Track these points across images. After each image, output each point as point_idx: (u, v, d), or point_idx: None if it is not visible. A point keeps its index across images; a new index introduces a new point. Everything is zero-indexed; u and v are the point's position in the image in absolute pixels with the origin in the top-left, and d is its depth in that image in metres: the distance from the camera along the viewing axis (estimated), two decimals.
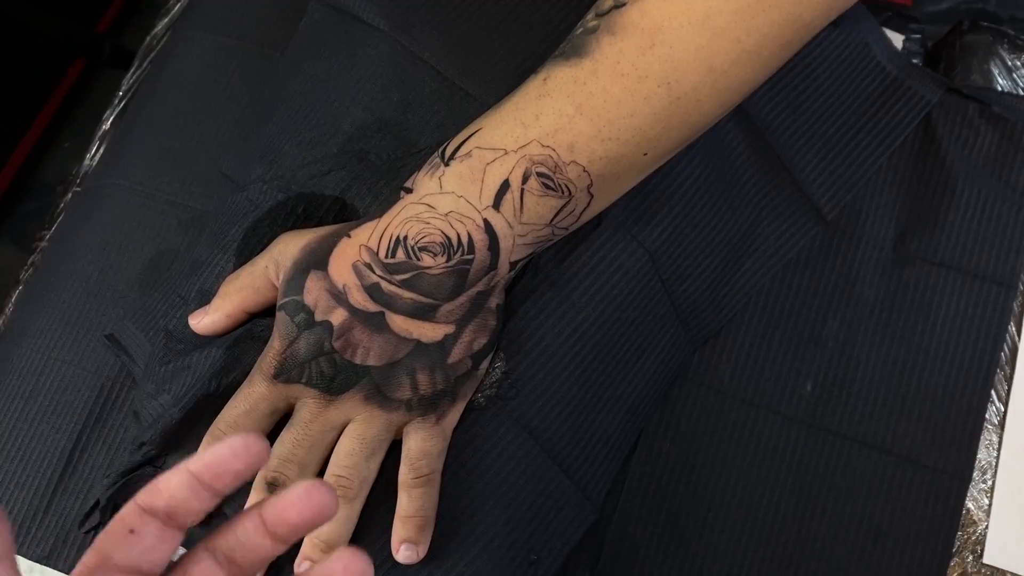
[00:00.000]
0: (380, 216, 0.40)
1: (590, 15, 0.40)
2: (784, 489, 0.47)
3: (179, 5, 0.66)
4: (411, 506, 0.39)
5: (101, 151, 0.62)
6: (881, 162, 0.51)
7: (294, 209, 0.44)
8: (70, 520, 0.47)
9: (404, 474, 0.39)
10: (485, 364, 0.41)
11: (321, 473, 0.40)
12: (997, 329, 0.49)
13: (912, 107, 0.52)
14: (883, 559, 0.45)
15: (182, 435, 0.42)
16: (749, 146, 0.50)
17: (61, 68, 1.22)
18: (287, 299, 0.40)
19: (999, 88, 0.54)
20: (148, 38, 0.66)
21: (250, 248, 0.44)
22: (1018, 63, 0.54)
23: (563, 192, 0.39)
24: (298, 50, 0.50)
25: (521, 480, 0.41)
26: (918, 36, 0.55)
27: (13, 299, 0.59)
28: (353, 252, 0.40)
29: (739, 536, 0.46)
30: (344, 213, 0.44)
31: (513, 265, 0.40)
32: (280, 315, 0.40)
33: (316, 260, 0.40)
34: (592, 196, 0.40)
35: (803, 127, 0.51)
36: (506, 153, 0.39)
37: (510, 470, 0.41)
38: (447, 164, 0.40)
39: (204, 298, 0.44)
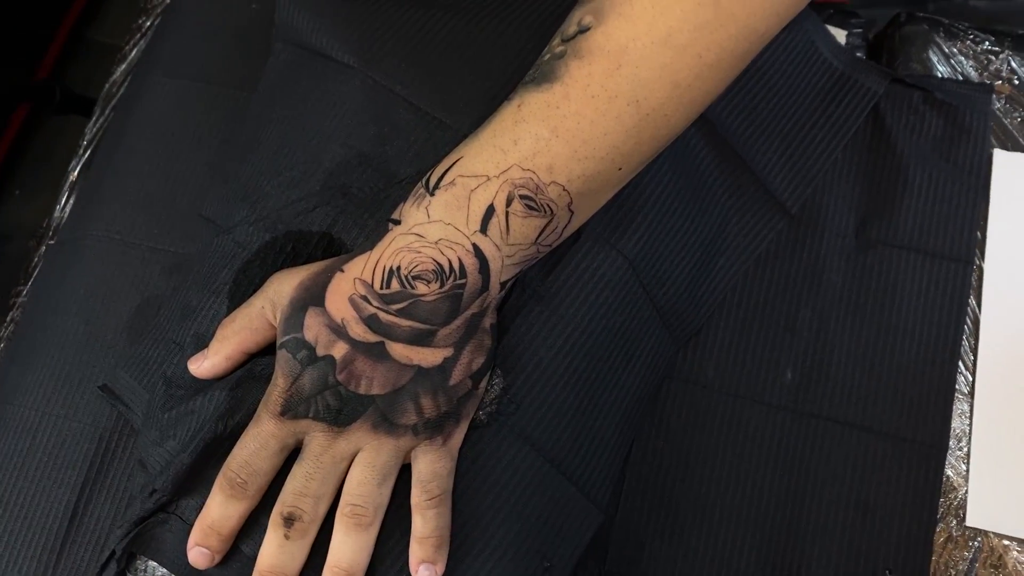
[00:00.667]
0: (371, 249, 0.41)
1: (556, 41, 0.42)
2: (773, 475, 0.49)
3: (136, 50, 0.66)
4: (426, 527, 0.40)
5: (71, 202, 0.62)
6: (836, 154, 0.54)
7: (283, 248, 0.45)
8: (82, 574, 0.47)
9: (416, 496, 0.40)
10: (484, 382, 0.42)
11: (335, 503, 0.41)
12: (959, 303, 0.52)
13: (860, 99, 0.55)
14: (873, 533, 0.48)
15: (193, 479, 0.42)
16: (712, 150, 0.52)
17: (5, 115, 1.21)
18: (287, 337, 0.41)
19: (939, 75, 0.57)
20: (107, 84, 0.67)
21: (242, 290, 0.45)
22: (954, 50, 0.57)
23: (545, 212, 0.41)
24: (268, 90, 0.51)
25: (528, 491, 0.43)
26: (859, 31, 0.58)
27: None
28: (348, 286, 0.41)
29: (735, 526, 0.48)
30: (332, 248, 0.45)
31: (503, 285, 0.42)
32: (281, 353, 0.41)
33: (312, 296, 0.41)
34: (572, 213, 0.42)
35: (760, 127, 0.54)
36: (488, 179, 0.40)
37: (516, 482, 0.42)
38: (432, 193, 0.41)
39: (200, 343, 0.45)
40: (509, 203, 0.40)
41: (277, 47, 0.52)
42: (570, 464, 0.44)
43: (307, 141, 0.47)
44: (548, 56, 0.42)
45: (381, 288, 0.40)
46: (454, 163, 0.41)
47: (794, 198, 0.53)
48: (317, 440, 0.40)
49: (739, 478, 0.49)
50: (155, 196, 0.55)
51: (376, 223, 0.45)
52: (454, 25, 0.49)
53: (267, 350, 0.44)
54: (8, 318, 0.60)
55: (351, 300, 0.40)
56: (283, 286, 0.42)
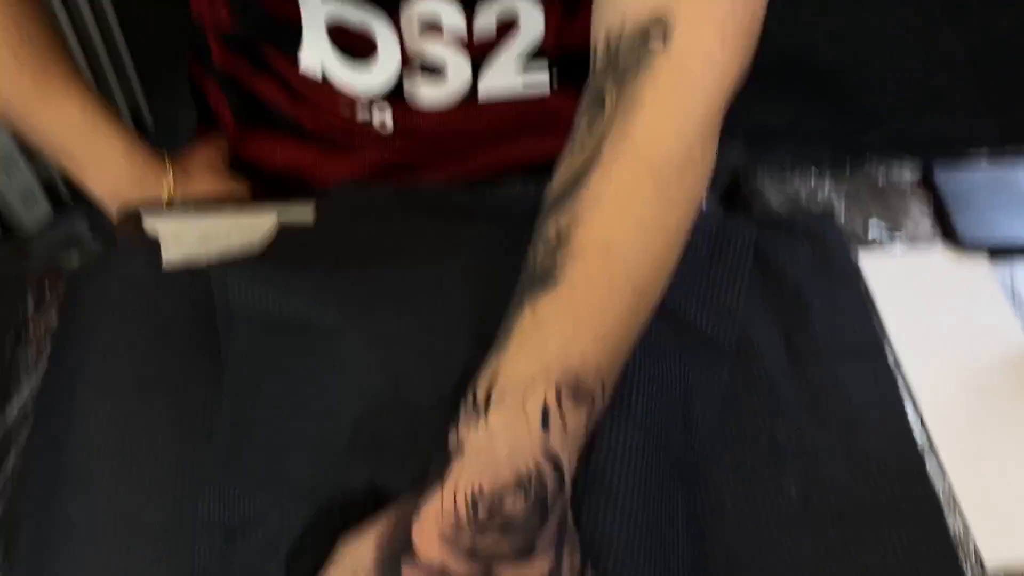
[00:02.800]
0: (441, 483, 0.41)
1: (540, 248, 0.46)
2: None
3: (27, 389, 0.62)
4: None
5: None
6: (743, 296, 0.61)
7: (332, 515, 0.43)
8: None
9: None
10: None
11: None
12: (892, 385, 0.60)
13: (743, 247, 0.63)
14: None
15: None
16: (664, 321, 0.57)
17: None
18: None
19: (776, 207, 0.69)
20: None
21: (305, 571, 0.42)
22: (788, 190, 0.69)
23: (588, 399, 0.43)
24: (244, 376, 0.50)
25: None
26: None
27: None
28: (434, 525, 0.40)
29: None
30: (381, 499, 0.44)
31: (572, 478, 0.43)
32: None
33: (400, 548, 0.40)
34: (604, 393, 0.45)
35: (677, 288, 0.60)
36: (535, 382, 0.43)
37: None
38: (485, 412, 0.42)
39: None
40: (559, 400, 0.43)
41: (240, 329, 0.51)
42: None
43: (317, 408, 0.47)
44: (538, 261, 0.46)
45: (469, 517, 0.40)
46: (495, 378, 0.43)
47: (727, 338, 0.59)
48: None
49: None
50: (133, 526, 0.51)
51: (416, 464, 0.45)
52: (414, 268, 0.52)
53: None
54: None
55: (443, 539, 0.40)
56: (360, 550, 0.41)
